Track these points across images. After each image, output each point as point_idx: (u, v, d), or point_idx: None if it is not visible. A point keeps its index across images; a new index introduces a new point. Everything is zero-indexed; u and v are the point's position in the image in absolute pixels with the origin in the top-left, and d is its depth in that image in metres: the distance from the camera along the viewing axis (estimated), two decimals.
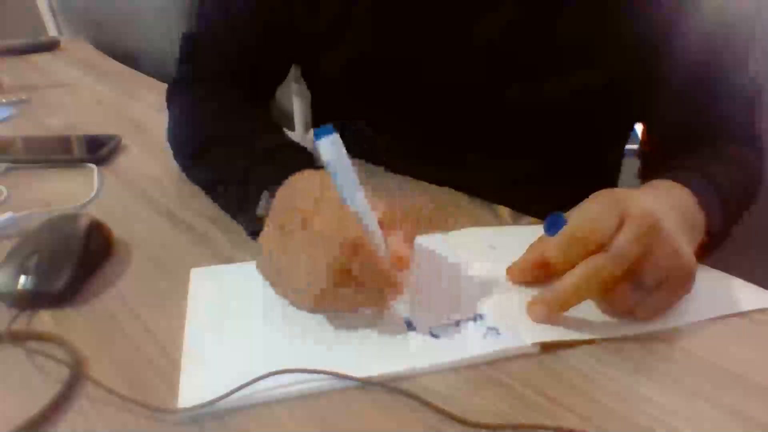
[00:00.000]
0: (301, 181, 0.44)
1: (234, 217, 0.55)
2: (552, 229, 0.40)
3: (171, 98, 0.70)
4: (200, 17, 0.67)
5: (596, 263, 0.38)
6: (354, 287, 0.39)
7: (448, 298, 0.44)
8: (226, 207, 0.56)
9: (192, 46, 0.68)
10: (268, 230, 0.42)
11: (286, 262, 0.40)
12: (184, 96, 0.68)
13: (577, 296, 0.39)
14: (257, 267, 0.43)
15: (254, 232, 0.49)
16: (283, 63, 0.70)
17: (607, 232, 0.38)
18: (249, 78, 0.67)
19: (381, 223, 0.40)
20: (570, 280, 0.38)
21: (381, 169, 0.67)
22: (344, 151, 0.38)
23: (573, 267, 0.38)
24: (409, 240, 0.41)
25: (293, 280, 0.40)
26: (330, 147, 0.38)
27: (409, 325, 0.41)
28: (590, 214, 0.39)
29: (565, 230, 0.39)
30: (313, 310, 0.41)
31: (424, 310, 0.42)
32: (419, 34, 0.58)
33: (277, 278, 0.42)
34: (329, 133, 0.38)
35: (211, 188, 0.59)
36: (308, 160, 0.51)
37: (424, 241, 0.49)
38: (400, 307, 0.41)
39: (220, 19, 0.65)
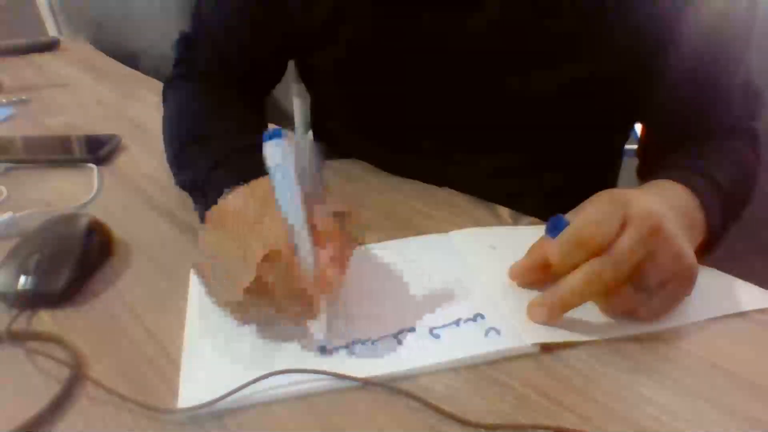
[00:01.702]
0: (249, 188, 0.43)
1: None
2: (554, 231, 0.40)
3: (165, 97, 0.70)
4: (195, 16, 0.67)
5: (597, 266, 0.37)
6: (270, 300, 0.37)
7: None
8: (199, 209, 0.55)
9: (187, 45, 0.68)
10: (206, 233, 0.41)
11: (215, 268, 0.39)
12: (176, 94, 0.68)
13: (578, 299, 0.39)
14: (192, 268, 0.42)
15: None
16: (278, 60, 0.70)
17: (609, 234, 0.37)
18: (244, 76, 0.67)
19: (320, 237, 0.39)
20: (571, 282, 0.38)
21: (373, 167, 0.68)
22: (291, 157, 0.37)
23: (574, 269, 0.38)
24: (343, 257, 0.39)
25: (218, 285, 0.39)
26: (275, 152, 0.37)
27: (323, 350, 0.38)
28: (592, 216, 0.39)
29: (566, 232, 0.39)
30: (235, 316, 0.40)
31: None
32: (411, 31, 0.58)
33: (207, 282, 0.41)
34: (278, 137, 0.37)
35: (186, 189, 0.58)
36: None
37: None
38: (315, 328, 0.38)
39: (215, 17, 0.65)
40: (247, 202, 0.40)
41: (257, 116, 0.67)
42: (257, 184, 0.42)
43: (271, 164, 0.37)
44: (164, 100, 0.70)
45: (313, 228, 0.39)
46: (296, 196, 0.38)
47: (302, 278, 0.37)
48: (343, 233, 0.40)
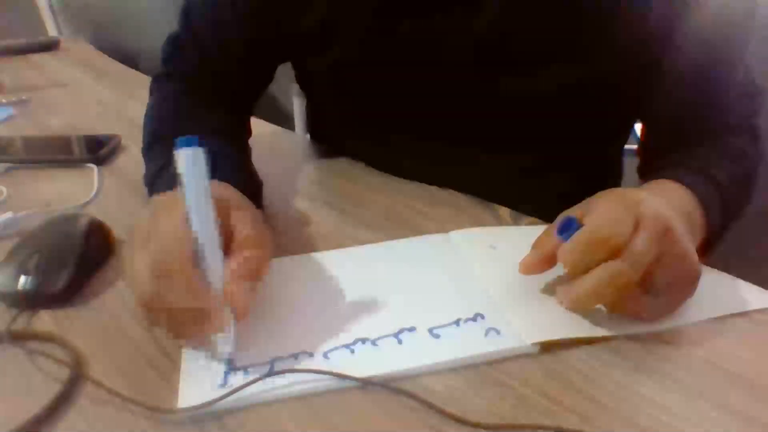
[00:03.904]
0: (164, 197, 0.42)
1: None
2: (565, 232, 0.40)
3: (149, 96, 0.69)
4: (183, 17, 0.66)
5: (613, 270, 0.37)
6: (168, 314, 0.36)
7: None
8: None
9: (174, 45, 0.67)
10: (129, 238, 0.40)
11: (127, 273, 0.38)
12: (156, 93, 0.67)
13: (591, 302, 0.39)
14: None
15: None
16: (266, 65, 0.69)
17: (624, 236, 0.37)
18: (230, 79, 0.66)
19: (238, 246, 0.38)
20: (586, 286, 0.38)
21: (373, 167, 0.68)
22: (204, 167, 0.35)
23: (587, 271, 0.38)
24: (257, 269, 0.38)
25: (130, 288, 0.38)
26: (187, 160, 0.35)
27: (229, 365, 0.37)
28: (606, 217, 0.39)
29: (579, 236, 0.38)
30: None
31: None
32: (408, 34, 0.58)
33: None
34: (192, 145, 0.35)
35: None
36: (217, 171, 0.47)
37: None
38: (220, 345, 0.37)
39: (203, 19, 0.64)
40: (156, 213, 0.39)
41: (232, 121, 0.65)
42: (174, 194, 0.40)
43: (183, 172, 0.35)
44: (150, 97, 0.69)
45: (231, 236, 0.38)
46: (206, 205, 0.36)
47: (201, 291, 0.36)
48: (263, 244, 0.39)
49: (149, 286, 0.35)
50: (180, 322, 0.36)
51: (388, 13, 0.57)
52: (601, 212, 0.39)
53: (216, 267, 0.37)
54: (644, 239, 0.37)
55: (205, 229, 0.36)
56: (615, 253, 0.37)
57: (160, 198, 0.42)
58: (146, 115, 0.64)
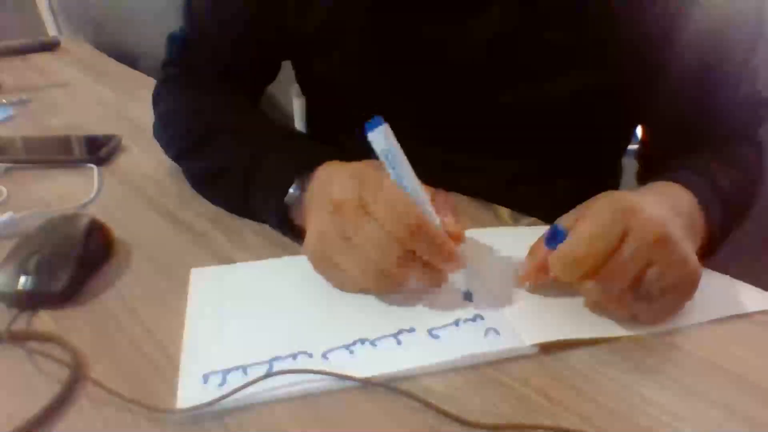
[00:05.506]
0: (344, 169, 0.45)
1: (243, 205, 0.54)
2: (552, 242, 0.40)
3: (158, 96, 0.69)
4: (188, 17, 0.66)
5: (593, 289, 0.38)
6: (417, 265, 0.41)
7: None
8: (235, 197, 0.55)
9: (182, 45, 0.68)
10: (321, 218, 0.43)
11: (348, 246, 0.41)
12: (173, 92, 0.67)
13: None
14: (307, 253, 0.44)
15: (281, 221, 0.50)
16: (274, 60, 0.70)
17: (606, 251, 0.37)
18: (240, 75, 0.67)
19: (437, 207, 0.42)
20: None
21: None
22: (395, 139, 0.40)
23: (578, 278, 0.38)
24: (457, 217, 0.43)
25: (356, 262, 0.41)
26: (383, 137, 0.40)
27: (467, 296, 0.43)
28: (588, 231, 0.38)
29: (565, 247, 0.38)
30: (373, 291, 0.44)
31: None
32: (409, 40, 0.58)
33: (334, 262, 0.42)
34: (379, 124, 0.40)
35: (218, 177, 0.57)
36: (326, 149, 0.52)
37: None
38: (458, 280, 0.43)
39: (211, 17, 0.65)
40: (360, 187, 0.42)
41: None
42: (359, 171, 0.44)
43: (383, 148, 0.40)
44: (159, 100, 0.69)
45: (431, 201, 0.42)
46: (411, 172, 0.41)
47: (443, 238, 0.40)
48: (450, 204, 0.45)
49: (397, 246, 0.39)
50: (430, 269, 0.41)
51: (389, 18, 0.57)
52: (587, 225, 0.39)
53: (434, 218, 0.42)
54: (628, 251, 0.37)
55: (417, 189, 0.41)
56: (601, 264, 0.37)
57: (353, 172, 0.44)
58: (173, 113, 0.65)
